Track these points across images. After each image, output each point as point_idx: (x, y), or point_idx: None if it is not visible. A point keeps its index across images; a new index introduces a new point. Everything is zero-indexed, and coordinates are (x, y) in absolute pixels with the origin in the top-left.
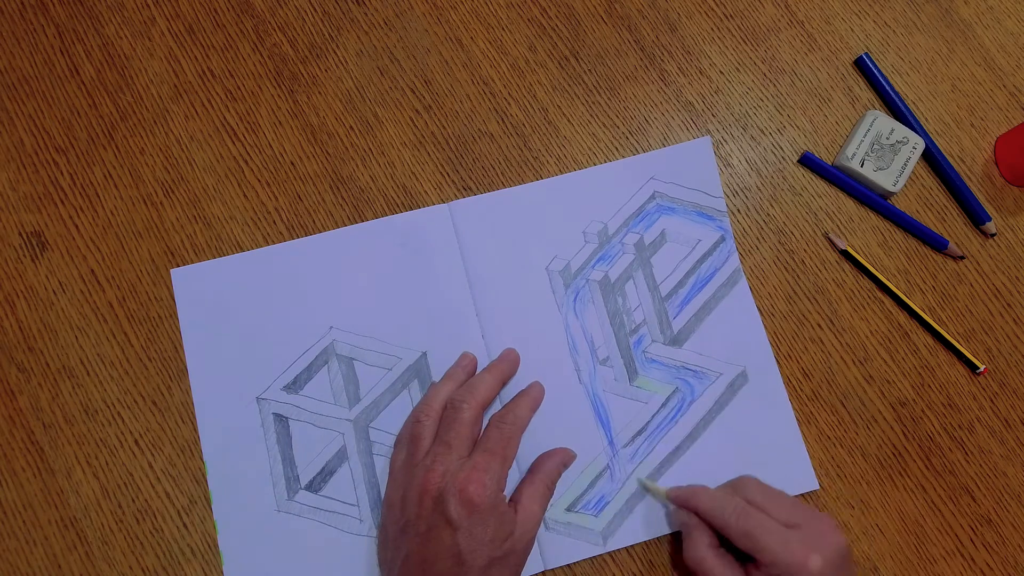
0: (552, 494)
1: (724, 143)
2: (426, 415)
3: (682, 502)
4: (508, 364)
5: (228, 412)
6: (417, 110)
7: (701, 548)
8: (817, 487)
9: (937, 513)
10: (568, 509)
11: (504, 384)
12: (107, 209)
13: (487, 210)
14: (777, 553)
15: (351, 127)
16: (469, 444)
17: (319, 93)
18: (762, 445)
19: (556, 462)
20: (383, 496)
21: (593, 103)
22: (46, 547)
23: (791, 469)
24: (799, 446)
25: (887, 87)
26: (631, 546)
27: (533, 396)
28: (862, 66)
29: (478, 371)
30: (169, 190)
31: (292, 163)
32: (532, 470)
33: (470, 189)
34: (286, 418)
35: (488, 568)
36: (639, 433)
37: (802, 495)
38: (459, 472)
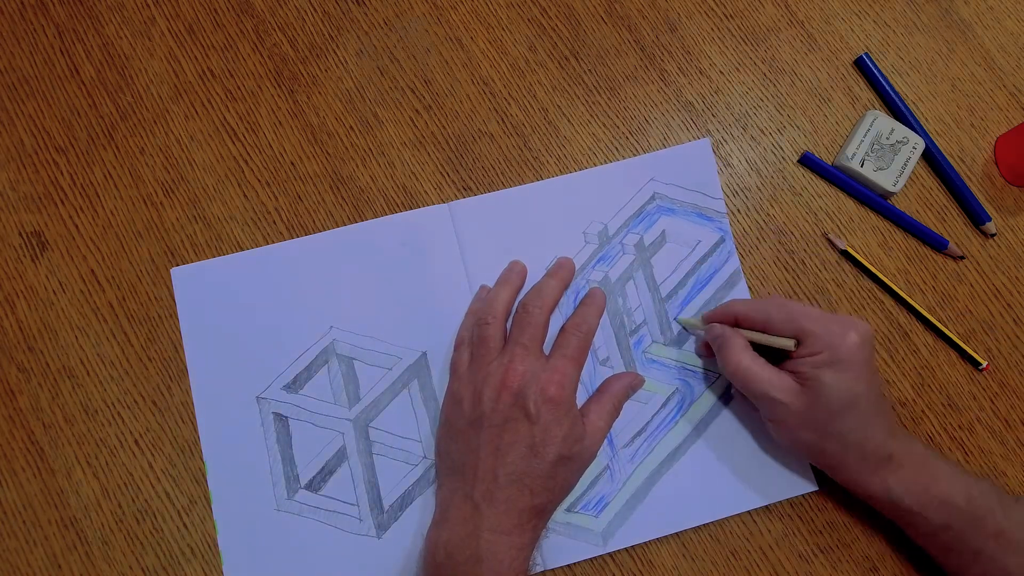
0: (618, 415)
1: (724, 143)
2: (493, 316)
3: (720, 312)
4: (568, 270)
5: (228, 412)
6: (417, 110)
7: (738, 351)
8: (816, 488)
9: None
10: (568, 510)
11: (566, 289)
12: (107, 209)
13: (487, 210)
14: (819, 331)
15: (351, 127)
16: (541, 345)
17: (319, 93)
18: (761, 446)
19: (624, 384)
20: (447, 392)
21: (593, 103)
22: (46, 547)
23: (789, 470)
24: None
25: (887, 87)
26: (631, 547)
27: (599, 304)
28: (862, 66)
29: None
30: (169, 190)
31: (292, 163)
32: (601, 390)
33: (470, 189)
34: (286, 417)
35: (556, 464)
36: (639, 433)
37: (800, 496)
38: (541, 372)
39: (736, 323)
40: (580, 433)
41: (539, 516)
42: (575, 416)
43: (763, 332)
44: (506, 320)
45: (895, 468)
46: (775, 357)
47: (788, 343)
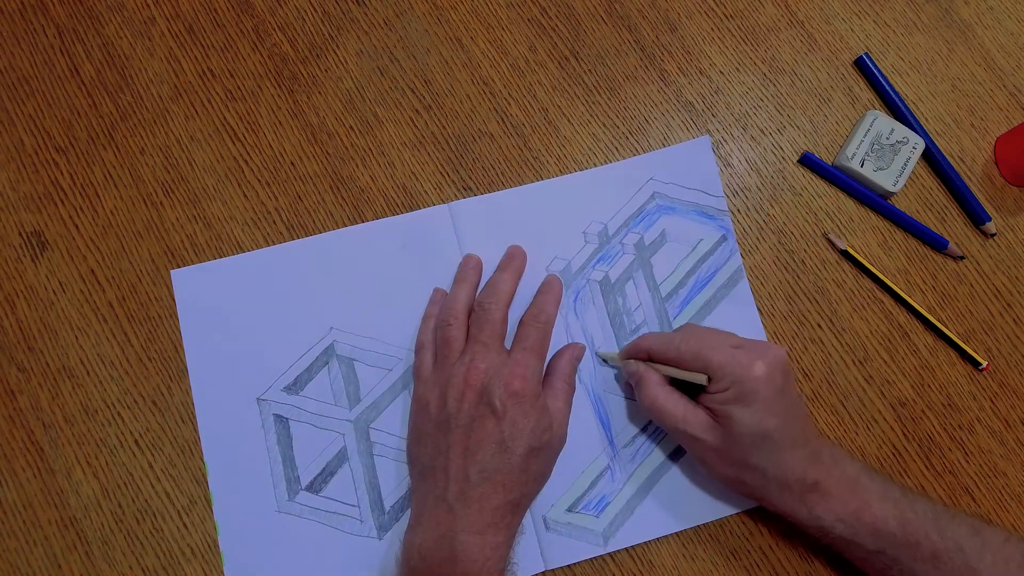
0: (574, 389)
1: (724, 143)
2: (454, 317)
3: (632, 348)
4: (520, 260)
5: (228, 412)
6: (417, 110)
7: (652, 387)
8: None
9: None
10: (569, 509)
11: (519, 280)
12: (107, 209)
13: (487, 210)
14: (725, 365)
15: (351, 127)
16: (502, 341)
17: (319, 93)
18: None
19: (568, 358)
20: (413, 398)
21: (593, 103)
22: (46, 547)
23: None
24: None
25: (887, 87)
26: (632, 547)
27: (556, 292)
28: (862, 66)
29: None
30: (169, 190)
31: (292, 163)
32: (548, 372)
33: (470, 189)
34: (287, 419)
35: (528, 456)
36: (640, 433)
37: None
38: (503, 368)
39: (649, 358)
40: (547, 422)
41: (514, 512)
42: (541, 406)
43: (676, 367)
44: (467, 319)
45: (822, 496)
46: (694, 390)
47: (701, 377)
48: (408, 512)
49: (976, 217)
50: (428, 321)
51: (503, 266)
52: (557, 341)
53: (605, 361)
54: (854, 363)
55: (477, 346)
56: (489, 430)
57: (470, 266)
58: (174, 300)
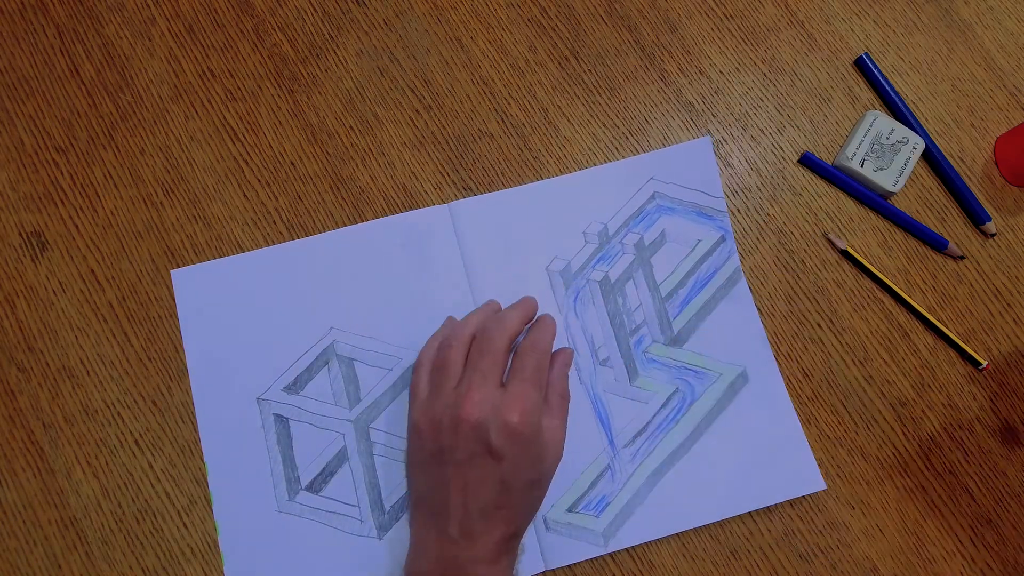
0: (569, 399)
1: (724, 143)
2: (457, 340)
3: None
4: (533, 308)
5: (228, 412)
6: (417, 110)
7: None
8: (824, 487)
9: (937, 513)
10: (569, 510)
11: (527, 323)
12: (107, 209)
13: (487, 210)
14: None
15: (351, 127)
16: (501, 374)
17: (319, 93)
18: (764, 445)
19: (559, 370)
20: (408, 418)
21: (593, 103)
22: (46, 547)
23: (796, 469)
24: (803, 446)
25: (887, 87)
26: (632, 547)
27: (551, 327)
28: (862, 66)
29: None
30: (169, 190)
31: (292, 163)
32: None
33: (470, 189)
34: (287, 419)
35: (529, 488)
36: (640, 433)
37: (809, 496)
38: (501, 402)
39: None
40: (543, 452)
41: (517, 535)
42: (540, 441)
43: None
44: (468, 347)
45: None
46: None
47: None
48: (408, 514)
49: (976, 217)
50: (433, 341)
51: (515, 305)
52: (556, 341)
53: None
54: (854, 363)
55: (475, 375)
56: (488, 470)
57: (488, 306)
58: (174, 300)
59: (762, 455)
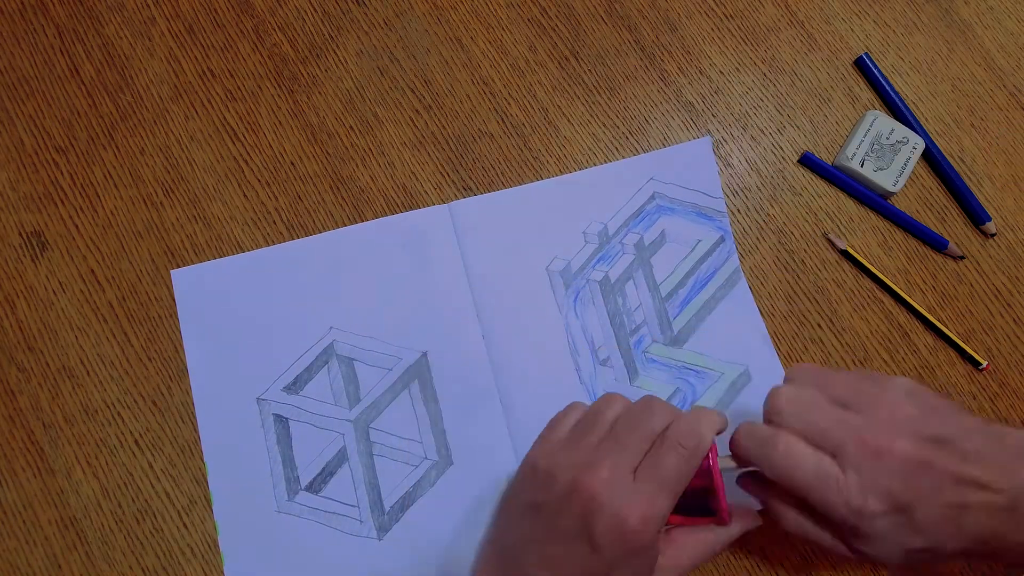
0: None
1: (724, 143)
2: (620, 401)
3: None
4: (723, 422)
5: (228, 412)
6: (417, 110)
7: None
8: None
9: None
10: None
11: (714, 434)
12: (107, 209)
13: (487, 210)
14: (825, 506)
15: (351, 127)
16: (641, 456)
17: (319, 93)
18: None
19: (743, 526)
20: (529, 454)
21: (593, 103)
22: (46, 547)
23: None
24: None
25: (887, 87)
26: None
27: (713, 419)
28: (862, 66)
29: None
30: (169, 190)
31: (292, 163)
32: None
33: (470, 189)
34: (286, 419)
35: None
36: None
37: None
38: (624, 494)
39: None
40: (650, 568)
41: None
42: (652, 556)
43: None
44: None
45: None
46: None
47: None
48: (408, 513)
49: (976, 217)
50: (607, 394)
51: (707, 410)
52: (556, 341)
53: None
54: (854, 363)
55: (614, 447)
56: (579, 556)
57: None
58: (174, 300)
59: None
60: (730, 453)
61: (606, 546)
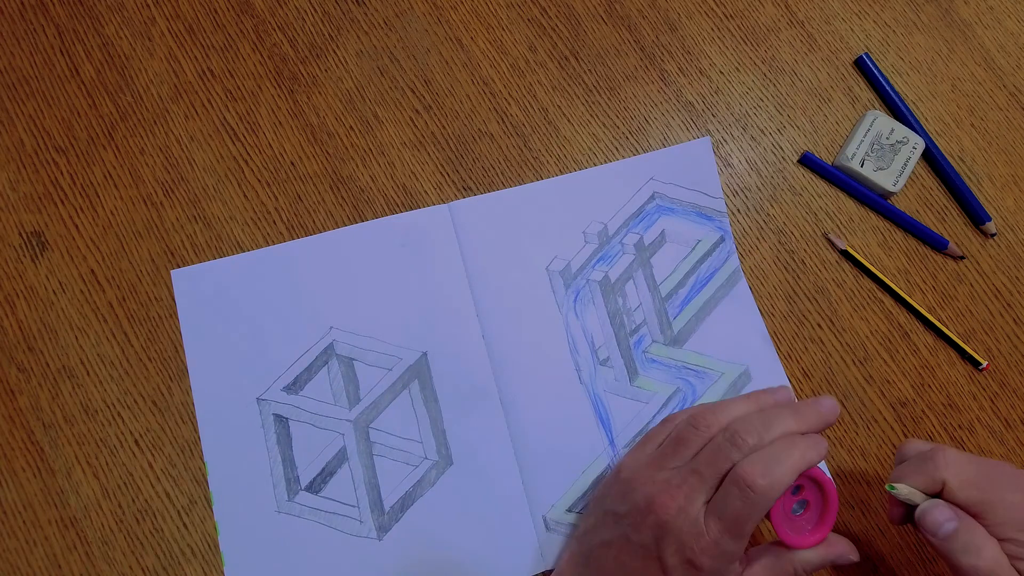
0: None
1: (724, 143)
2: (707, 426)
3: (929, 481)
4: (821, 417)
5: (228, 412)
6: (417, 110)
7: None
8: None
9: None
10: (569, 510)
11: (803, 469)
12: (107, 209)
13: (487, 210)
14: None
15: (351, 127)
16: (718, 484)
17: (319, 93)
18: None
19: (824, 554)
20: (622, 459)
21: (593, 103)
22: (46, 547)
23: None
24: None
25: (887, 87)
26: None
27: (809, 455)
28: (862, 66)
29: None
30: (169, 190)
31: (292, 163)
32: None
33: (470, 189)
34: (286, 419)
35: None
36: (640, 433)
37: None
38: (691, 527)
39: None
40: None
41: None
42: None
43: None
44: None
45: None
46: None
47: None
48: (407, 513)
49: (976, 217)
50: (702, 407)
51: (799, 410)
52: (556, 341)
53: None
54: (854, 363)
55: (693, 476)
56: (651, 570)
57: (773, 393)
58: (174, 300)
59: None
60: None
61: (674, 568)
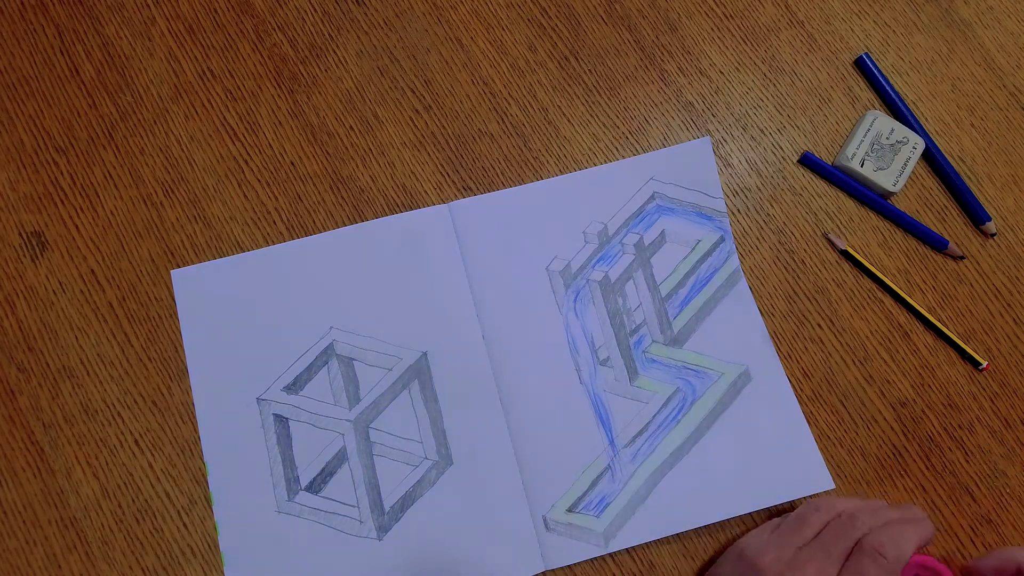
0: None
1: (724, 143)
2: (830, 510)
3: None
4: (928, 533)
5: (228, 412)
6: (417, 110)
7: None
8: (832, 486)
9: (937, 513)
10: (569, 510)
11: (922, 546)
12: (107, 209)
13: (487, 210)
14: None
15: (351, 127)
16: (844, 561)
17: (319, 93)
18: (770, 444)
19: None
20: (743, 536)
21: (593, 103)
22: (46, 547)
23: (803, 468)
24: (810, 444)
25: (887, 87)
26: (632, 547)
27: (923, 533)
28: (862, 66)
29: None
30: (169, 190)
31: (292, 163)
32: None
33: (470, 189)
34: (286, 419)
35: None
36: (640, 433)
37: (816, 495)
38: None
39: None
40: None
41: None
42: None
43: None
44: (843, 520)
45: None
46: None
47: None
48: (407, 513)
49: (976, 217)
50: (825, 499)
51: (913, 523)
52: (556, 341)
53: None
54: (854, 363)
55: (820, 552)
56: None
57: (907, 510)
58: (174, 300)
59: (767, 454)
60: None
61: None
